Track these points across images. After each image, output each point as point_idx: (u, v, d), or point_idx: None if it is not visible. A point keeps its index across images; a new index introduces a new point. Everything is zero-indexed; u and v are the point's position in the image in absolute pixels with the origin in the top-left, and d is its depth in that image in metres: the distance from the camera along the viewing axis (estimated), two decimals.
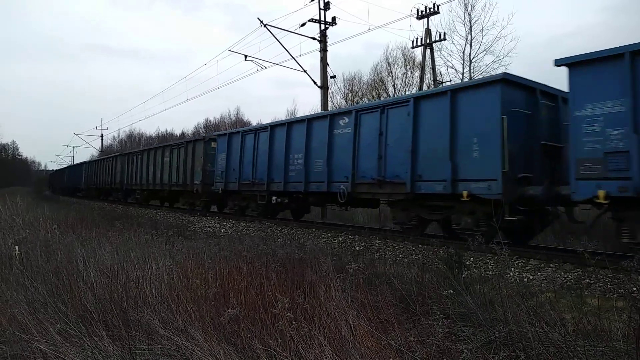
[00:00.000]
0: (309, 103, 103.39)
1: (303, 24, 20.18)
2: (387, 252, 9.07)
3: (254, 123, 50.42)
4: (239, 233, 12.45)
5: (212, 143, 17.58)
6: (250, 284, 4.45)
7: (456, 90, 8.99)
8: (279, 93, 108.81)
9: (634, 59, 6.49)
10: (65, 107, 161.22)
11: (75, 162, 58.40)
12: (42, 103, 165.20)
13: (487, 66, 25.08)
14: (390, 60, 33.77)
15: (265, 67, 21.39)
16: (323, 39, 20.19)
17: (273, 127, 14.20)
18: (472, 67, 25.32)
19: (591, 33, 65.19)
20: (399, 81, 33.28)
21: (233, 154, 15.82)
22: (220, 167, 16.41)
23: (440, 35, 24.51)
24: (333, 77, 21.09)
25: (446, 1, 30.00)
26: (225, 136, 16.53)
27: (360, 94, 35.63)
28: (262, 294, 4.14)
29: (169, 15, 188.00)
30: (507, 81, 8.24)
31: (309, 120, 12.79)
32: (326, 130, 11.82)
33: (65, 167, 54.61)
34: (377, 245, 9.82)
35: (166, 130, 74.78)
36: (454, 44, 26.66)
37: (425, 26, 24.23)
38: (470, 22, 25.29)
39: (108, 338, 3.41)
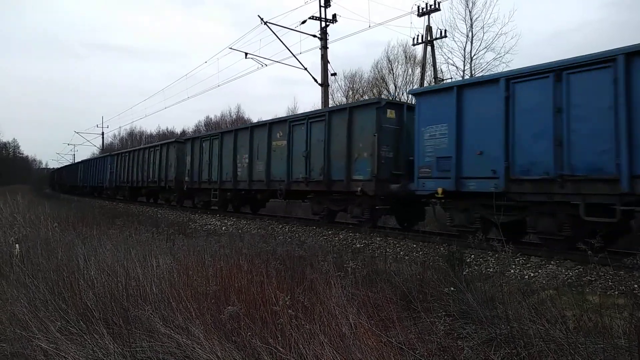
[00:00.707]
0: (309, 102, 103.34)
1: (303, 22, 20.22)
2: (387, 250, 9.08)
3: (255, 121, 39.93)
4: (239, 231, 12.45)
5: (389, 111, 10.95)
6: (251, 282, 4.45)
7: None
8: (279, 91, 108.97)
9: None
10: (66, 105, 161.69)
11: (75, 161, 57.55)
12: (43, 101, 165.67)
13: (488, 63, 25.11)
14: (391, 57, 33.72)
15: (266, 65, 21.37)
16: (324, 36, 20.17)
17: None
18: (472, 65, 25.32)
19: (594, 28, 65.11)
20: (400, 78, 33.24)
21: (472, 122, 8.73)
22: (428, 149, 9.50)
23: (441, 32, 24.54)
24: (334, 74, 21.09)
25: None
26: (451, 92, 9.00)
27: (361, 91, 35.61)
28: (262, 291, 4.14)
29: (169, 12, 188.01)
30: None
31: None
32: None
33: (79, 162, 45.54)
34: (377, 242, 9.83)
35: (167, 129, 74.87)
36: (454, 41, 26.78)
37: (426, 23, 24.32)
38: (471, 20, 25.28)
39: (109, 336, 3.41)
